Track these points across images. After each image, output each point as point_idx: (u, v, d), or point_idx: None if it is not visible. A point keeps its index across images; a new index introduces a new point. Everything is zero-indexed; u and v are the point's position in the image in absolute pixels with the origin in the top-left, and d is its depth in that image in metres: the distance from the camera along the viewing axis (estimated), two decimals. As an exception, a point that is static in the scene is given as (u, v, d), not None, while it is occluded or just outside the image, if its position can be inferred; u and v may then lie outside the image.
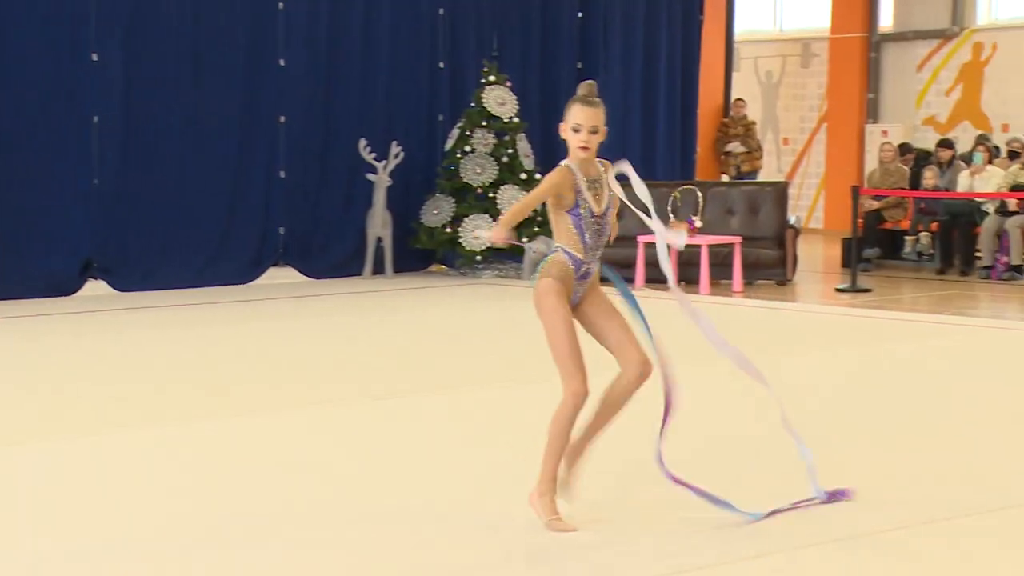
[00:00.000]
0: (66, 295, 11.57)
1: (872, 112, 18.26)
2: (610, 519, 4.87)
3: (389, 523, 4.85)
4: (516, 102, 13.36)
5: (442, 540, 4.66)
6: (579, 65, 14.86)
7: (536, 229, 13.18)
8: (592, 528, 4.74)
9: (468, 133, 13.20)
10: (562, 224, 4.83)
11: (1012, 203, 13.17)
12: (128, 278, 11.94)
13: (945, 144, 14.96)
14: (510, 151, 13.21)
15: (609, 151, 17.24)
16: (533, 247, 12.96)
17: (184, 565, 4.41)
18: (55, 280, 11.57)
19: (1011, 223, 13.02)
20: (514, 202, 12.92)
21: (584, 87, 4.94)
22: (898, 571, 4.35)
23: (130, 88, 11.85)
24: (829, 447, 6.06)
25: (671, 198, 12.95)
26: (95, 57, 11.67)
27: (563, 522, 4.73)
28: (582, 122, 4.77)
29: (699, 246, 12.22)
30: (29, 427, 6.49)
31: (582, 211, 4.80)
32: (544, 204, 4.87)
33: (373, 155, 13.06)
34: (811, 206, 18.87)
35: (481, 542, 4.63)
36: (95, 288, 11.81)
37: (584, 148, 4.78)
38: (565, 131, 4.83)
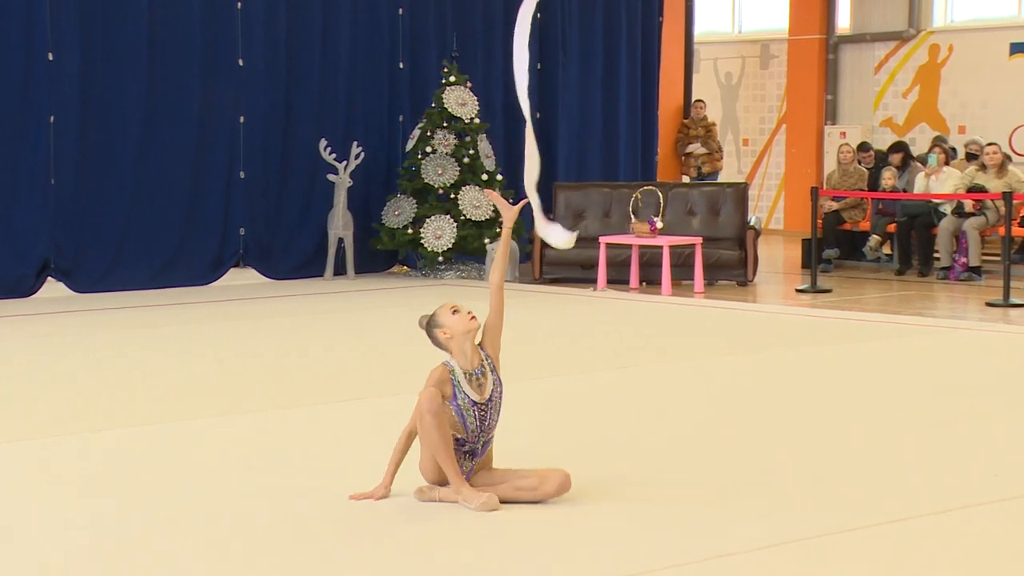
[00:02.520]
0: (24, 296, 11.46)
1: (830, 113, 18.36)
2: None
3: (353, 521, 4.82)
4: (477, 103, 13.35)
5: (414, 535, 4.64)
6: (539, 66, 14.85)
7: (497, 230, 13.19)
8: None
9: (429, 134, 13.18)
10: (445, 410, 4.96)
11: (969, 204, 13.28)
12: (87, 279, 11.84)
13: (896, 148, 15.05)
14: (471, 152, 13.19)
15: (571, 153, 17.21)
16: (495, 247, 12.97)
17: (140, 570, 4.38)
18: (12, 281, 11.45)
19: (968, 224, 13.12)
20: (483, 193, 12.93)
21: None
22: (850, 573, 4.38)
23: (87, 87, 11.74)
24: (783, 445, 6.09)
25: (632, 199, 12.97)
26: (51, 56, 11.55)
27: (490, 498, 4.90)
28: (458, 305, 5.01)
29: (660, 247, 12.24)
30: (-13, 431, 6.41)
31: (460, 402, 4.95)
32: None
33: (333, 156, 13.01)
34: (771, 207, 18.96)
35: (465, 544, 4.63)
36: (53, 289, 11.70)
37: (473, 318, 4.98)
38: (447, 330, 4.97)
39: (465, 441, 4.98)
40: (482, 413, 4.98)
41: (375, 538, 4.70)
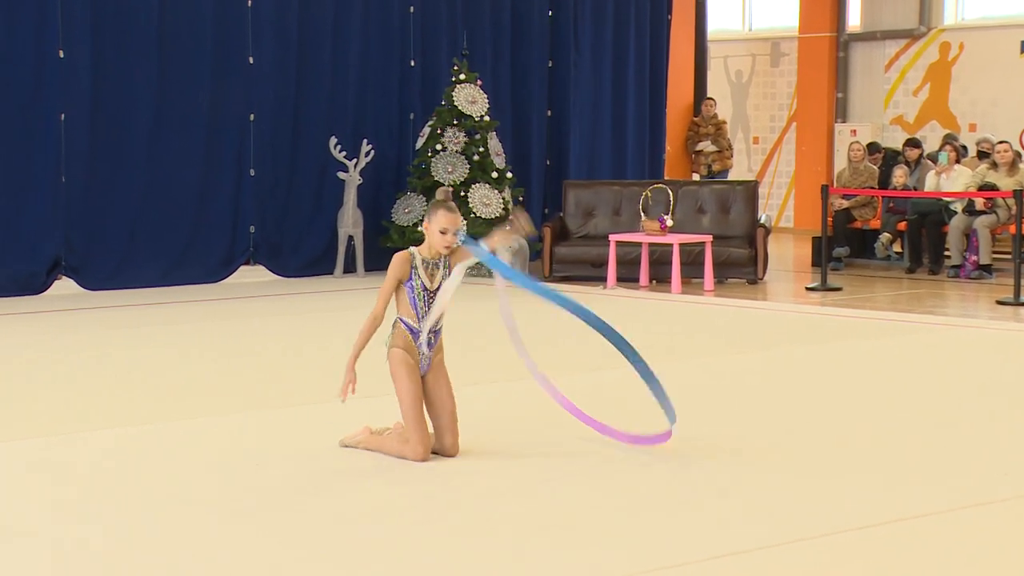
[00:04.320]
0: (34, 294, 11.49)
1: (841, 111, 18.34)
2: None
3: (355, 521, 4.83)
4: (487, 100, 13.35)
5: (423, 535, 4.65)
6: (549, 64, 14.87)
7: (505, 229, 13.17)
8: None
9: (439, 131, 13.18)
10: (401, 297, 5.72)
11: (980, 202, 13.25)
12: (97, 277, 11.87)
13: (912, 143, 15.04)
14: (481, 149, 13.20)
15: (582, 151, 17.18)
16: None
17: (147, 569, 4.39)
18: (23, 279, 11.48)
19: (979, 222, 13.09)
20: (482, 199, 12.94)
21: (442, 192, 6.34)
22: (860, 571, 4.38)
23: (98, 85, 11.77)
24: (790, 443, 6.09)
25: (642, 197, 12.97)
26: (62, 54, 11.58)
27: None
28: (447, 226, 5.64)
29: (670, 245, 12.24)
30: (-2, 427, 6.43)
31: (414, 283, 5.67)
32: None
33: (344, 153, 13.02)
34: (781, 205, 18.95)
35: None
36: (64, 287, 11.73)
37: (448, 247, 5.67)
38: (429, 229, 5.66)
39: (417, 331, 5.68)
40: (430, 298, 5.69)
41: (376, 538, 4.71)
